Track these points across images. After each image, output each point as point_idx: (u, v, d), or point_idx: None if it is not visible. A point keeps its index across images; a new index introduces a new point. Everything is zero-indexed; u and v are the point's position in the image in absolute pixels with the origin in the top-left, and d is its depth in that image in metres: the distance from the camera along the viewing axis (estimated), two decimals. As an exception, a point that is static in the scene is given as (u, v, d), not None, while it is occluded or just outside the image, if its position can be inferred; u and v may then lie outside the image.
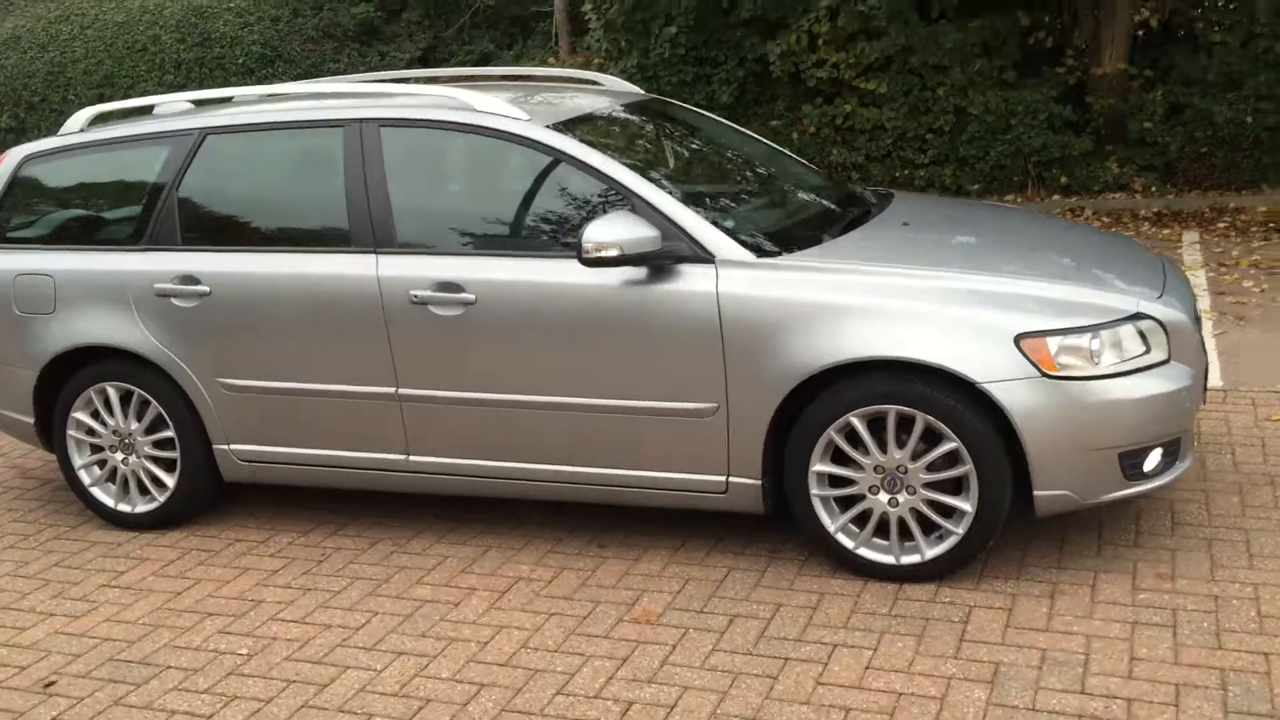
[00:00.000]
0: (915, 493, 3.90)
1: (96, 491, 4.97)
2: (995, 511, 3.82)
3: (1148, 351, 3.86)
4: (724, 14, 11.21)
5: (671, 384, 4.06)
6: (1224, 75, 10.04)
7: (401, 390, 4.40)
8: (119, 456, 4.90)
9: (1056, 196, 10.54)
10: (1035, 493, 3.80)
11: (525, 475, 4.36)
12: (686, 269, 4.03)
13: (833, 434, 3.92)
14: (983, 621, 3.71)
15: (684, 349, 4.02)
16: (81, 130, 5.04)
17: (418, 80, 6.40)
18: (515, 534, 4.62)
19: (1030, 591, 3.87)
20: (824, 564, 4.15)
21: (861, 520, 4.01)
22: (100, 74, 14.92)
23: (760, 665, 3.57)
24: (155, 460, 4.87)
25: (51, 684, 3.80)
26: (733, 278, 3.98)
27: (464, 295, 4.24)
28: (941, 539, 3.93)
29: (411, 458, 4.48)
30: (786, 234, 4.27)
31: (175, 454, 4.80)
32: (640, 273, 4.05)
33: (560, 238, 4.24)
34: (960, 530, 3.87)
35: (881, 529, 4.00)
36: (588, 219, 4.09)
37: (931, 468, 3.87)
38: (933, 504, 3.91)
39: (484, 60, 14.17)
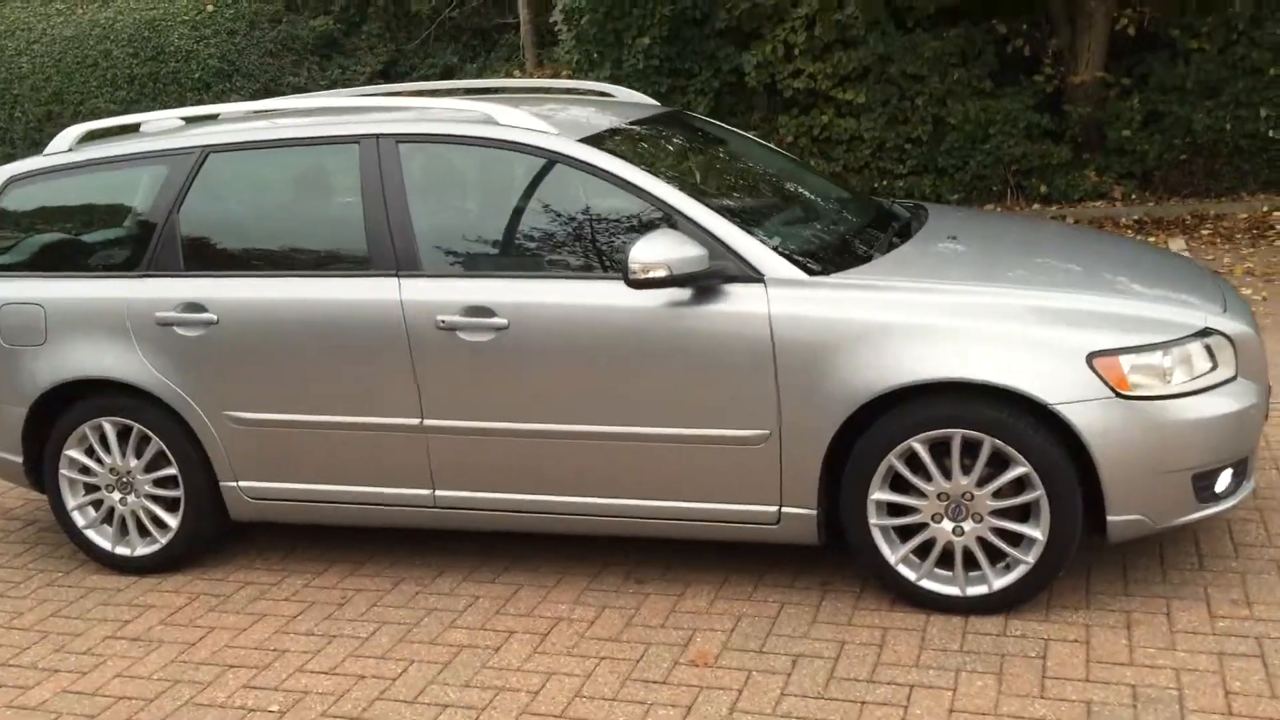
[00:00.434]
0: (982, 520, 3.72)
1: (92, 534, 4.66)
2: (1067, 539, 3.65)
3: (1215, 368, 3.72)
4: (698, 24, 11.05)
5: (719, 410, 3.85)
6: (1202, 82, 10.01)
7: (427, 421, 4.14)
8: (116, 496, 4.60)
9: (1037, 206, 10.49)
10: (1109, 518, 3.63)
11: (562, 509, 4.12)
12: (734, 289, 3.82)
13: (894, 460, 3.73)
14: (1062, 656, 3.53)
15: (733, 373, 3.81)
16: (70, 149, 4.72)
17: (413, 94, 6.14)
18: (545, 570, 4.37)
19: (1104, 622, 3.70)
20: (881, 596, 3.95)
21: (923, 550, 3.83)
22: (49, 90, 14.42)
23: (838, 711, 3.35)
24: (156, 499, 4.57)
25: (65, 749, 3.50)
26: (785, 297, 3.78)
27: (495, 320, 4.00)
28: (1009, 568, 3.75)
29: (438, 493, 4.23)
30: (835, 251, 4.08)
31: (178, 492, 4.51)
32: (684, 294, 3.84)
33: (597, 257, 4.02)
34: (1030, 559, 3.69)
35: (944, 559, 3.82)
36: (628, 238, 3.88)
37: (999, 494, 3.69)
38: (1000, 532, 3.73)
39: (447, 73, 13.88)
